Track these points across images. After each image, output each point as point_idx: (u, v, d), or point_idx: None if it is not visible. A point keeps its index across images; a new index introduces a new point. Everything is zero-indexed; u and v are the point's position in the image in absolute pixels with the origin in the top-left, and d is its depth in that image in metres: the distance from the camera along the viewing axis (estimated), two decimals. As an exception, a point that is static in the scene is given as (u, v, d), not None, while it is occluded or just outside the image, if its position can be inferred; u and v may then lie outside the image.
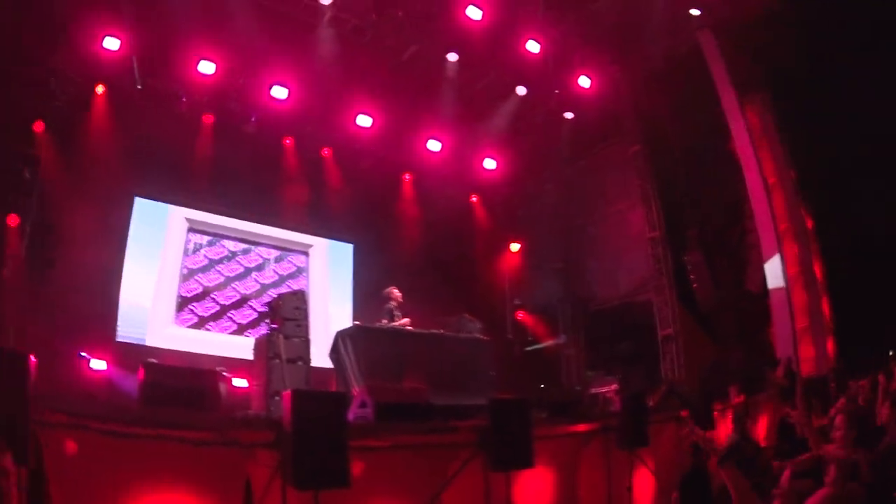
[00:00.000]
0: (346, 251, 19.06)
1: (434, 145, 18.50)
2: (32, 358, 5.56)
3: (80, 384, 12.19)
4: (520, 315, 19.04)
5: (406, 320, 13.27)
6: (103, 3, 13.91)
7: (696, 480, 9.20)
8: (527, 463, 7.99)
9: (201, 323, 16.08)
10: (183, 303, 16.03)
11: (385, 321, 13.11)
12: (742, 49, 15.02)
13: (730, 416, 11.18)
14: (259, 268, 17.47)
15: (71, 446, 6.03)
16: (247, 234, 17.50)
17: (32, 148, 14.09)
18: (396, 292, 13.62)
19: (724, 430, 11.06)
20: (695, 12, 15.07)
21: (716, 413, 11.76)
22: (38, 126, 14.19)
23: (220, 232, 17.11)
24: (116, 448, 6.12)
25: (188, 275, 16.31)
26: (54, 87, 14.43)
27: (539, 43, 15.69)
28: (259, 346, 12.63)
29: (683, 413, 11.39)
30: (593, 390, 14.93)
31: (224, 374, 13.50)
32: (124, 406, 7.57)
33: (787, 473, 7.46)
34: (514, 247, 19.62)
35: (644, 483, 10.06)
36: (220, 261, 16.92)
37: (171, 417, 6.57)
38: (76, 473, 6.06)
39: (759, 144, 15.10)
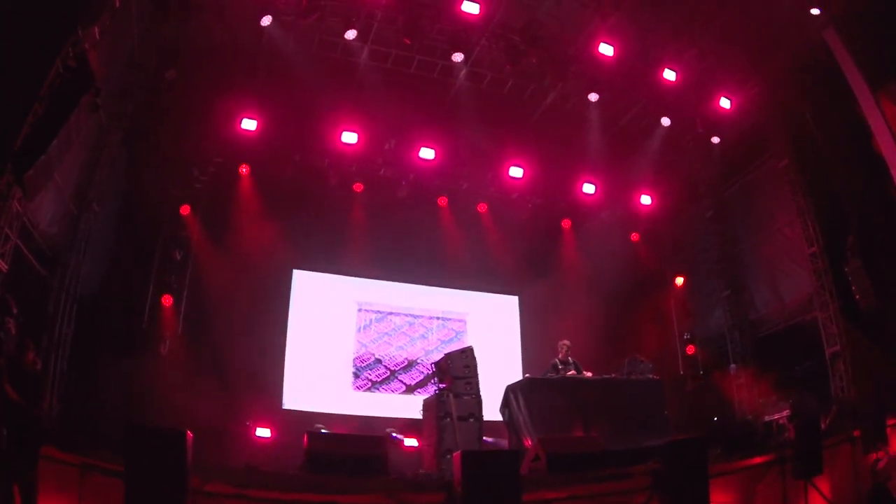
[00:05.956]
0: (511, 304, 19.03)
1: (588, 188, 18.21)
2: (189, 434, 5.69)
3: (244, 453, 12.47)
4: (690, 349, 18.33)
5: (588, 374, 13.02)
6: (235, 87, 14.58)
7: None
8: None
9: (373, 386, 16.79)
10: (357, 371, 16.80)
11: (551, 374, 12.92)
12: (870, 39, 13.95)
13: None
14: (423, 336, 18.01)
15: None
16: (411, 309, 18.24)
17: (182, 230, 15.04)
18: (563, 345, 13.39)
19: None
20: (815, 12, 14.21)
21: (889, 428, 10.76)
22: (185, 209, 15.12)
23: (387, 310, 17.95)
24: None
25: (361, 348, 17.12)
26: (197, 172, 15.31)
27: (675, 70, 15.30)
28: (428, 406, 12.58)
29: (856, 433, 10.68)
30: (767, 418, 14.22)
31: (394, 435, 13.80)
32: (287, 474, 7.62)
33: None
34: (679, 280, 18.96)
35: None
36: (388, 333, 17.66)
37: (337, 484, 6.57)
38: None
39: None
